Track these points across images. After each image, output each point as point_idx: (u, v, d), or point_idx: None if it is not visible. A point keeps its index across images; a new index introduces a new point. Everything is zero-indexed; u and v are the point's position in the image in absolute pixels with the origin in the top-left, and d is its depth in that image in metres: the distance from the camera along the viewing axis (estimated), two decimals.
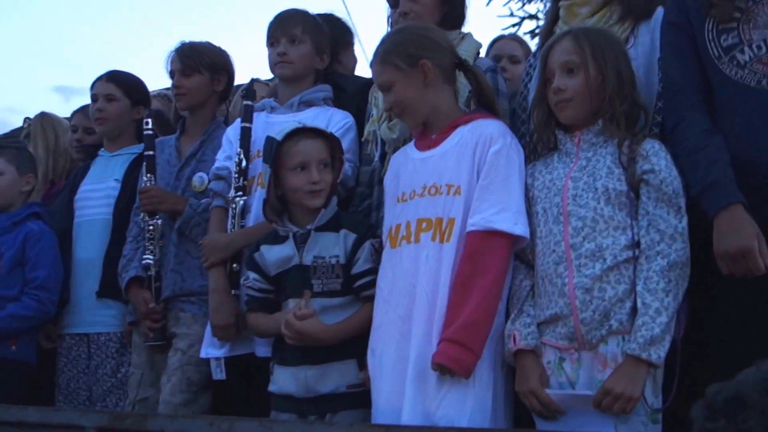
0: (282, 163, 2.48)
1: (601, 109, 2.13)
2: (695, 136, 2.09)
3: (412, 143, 2.40)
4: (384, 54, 2.34)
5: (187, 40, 3.21)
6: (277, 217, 2.52)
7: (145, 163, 3.10)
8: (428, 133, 2.34)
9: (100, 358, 3.17)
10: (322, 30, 3.01)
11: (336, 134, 2.69)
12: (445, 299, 2.11)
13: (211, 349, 2.75)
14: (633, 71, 2.20)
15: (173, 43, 3.16)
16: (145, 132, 3.13)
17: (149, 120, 3.14)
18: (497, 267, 2.10)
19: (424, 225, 2.20)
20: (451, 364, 2.03)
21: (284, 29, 2.92)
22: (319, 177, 2.45)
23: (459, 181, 2.20)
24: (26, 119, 4.40)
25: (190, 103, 3.17)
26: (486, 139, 2.21)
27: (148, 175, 3.06)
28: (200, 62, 3.13)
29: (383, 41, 2.43)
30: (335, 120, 2.84)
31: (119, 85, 3.36)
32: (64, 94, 25.76)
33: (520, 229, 2.12)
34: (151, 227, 2.98)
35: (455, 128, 2.28)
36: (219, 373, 2.72)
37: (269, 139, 2.51)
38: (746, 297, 1.99)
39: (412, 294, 2.17)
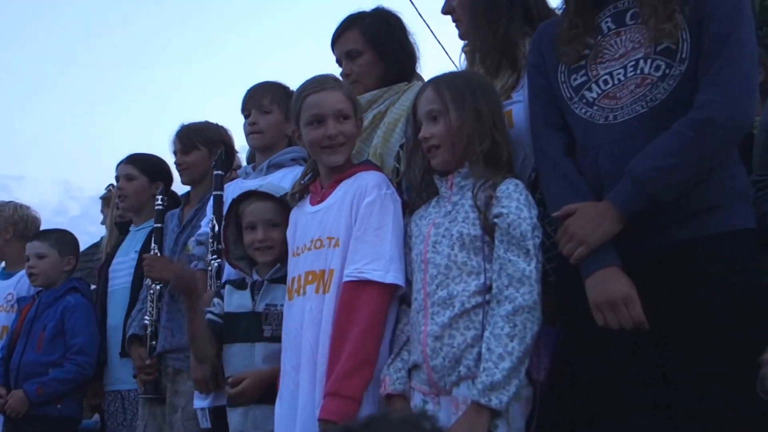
0: (241, 222, 2.70)
1: (466, 151, 2.17)
2: (548, 182, 2.07)
3: (308, 197, 2.50)
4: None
5: (186, 122, 3.57)
6: (248, 267, 2.71)
7: (154, 235, 3.47)
8: (320, 185, 2.46)
9: (132, 412, 3.54)
10: (288, 96, 3.14)
11: None
12: (326, 349, 2.21)
13: (197, 401, 2.98)
14: (498, 111, 2.21)
15: None
16: (156, 207, 3.51)
17: (159, 196, 3.52)
18: (369, 315, 2.17)
19: (310, 278, 2.32)
20: (332, 417, 2.10)
21: (254, 101, 3.13)
22: (264, 235, 2.61)
23: (338, 233, 2.30)
24: (110, 185, 5.00)
25: (192, 177, 3.51)
26: (361, 191, 2.30)
27: (154, 245, 3.42)
28: (197, 139, 3.47)
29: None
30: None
31: (136, 165, 3.77)
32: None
33: (392, 276, 2.18)
34: (151, 291, 3.33)
35: (340, 182, 2.39)
36: (205, 422, 2.94)
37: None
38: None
39: (299, 345, 2.29)
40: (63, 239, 3.88)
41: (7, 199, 4.43)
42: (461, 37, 2.61)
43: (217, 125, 3.57)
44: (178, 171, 3.57)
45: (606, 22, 2.04)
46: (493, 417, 1.94)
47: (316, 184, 2.50)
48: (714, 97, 1.85)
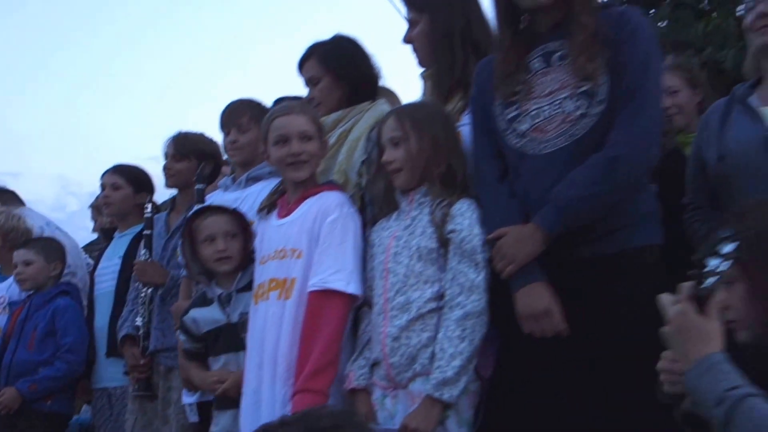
0: (196, 238, 2.87)
1: (424, 173, 2.44)
2: (485, 205, 2.34)
3: (276, 211, 2.75)
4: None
5: (183, 130, 3.80)
6: (207, 279, 2.90)
7: (143, 241, 3.64)
8: (287, 201, 2.71)
9: (118, 408, 3.77)
10: (263, 111, 3.29)
11: None
12: (284, 349, 2.47)
13: (185, 397, 3.16)
14: (454, 138, 2.47)
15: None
16: (145, 215, 3.68)
17: (149, 204, 3.72)
18: (335, 321, 2.44)
19: (273, 284, 2.58)
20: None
21: (233, 119, 3.33)
22: (225, 246, 2.81)
23: (301, 246, 2.56)
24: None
25: (177, 183, 3.74)
26: (324, 209, 2.57)
27: (144, 250, 3.60)
28: (191, 149, 3.69)
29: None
30: None
31: (122, 175, 3.99)
32: None
33: (353, 287, 2.46)
34: (143, 294, 3.53)
35: (305, 199, 2.64)
36: (193, 416, 3.15)
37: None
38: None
39: (262, 345, 2.55)
40: (49, 246, 4.09)
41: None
42: (420, 64, 2.87)
43: (211, 140, 3.77)
44: (165, 174, 3.79)
45: (536, 62, 2.31)
46: (445, 408, 2.21)
47: (283, 199, 2.75)
48: (624, 137, 2.14)
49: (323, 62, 3.07)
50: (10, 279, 4.34)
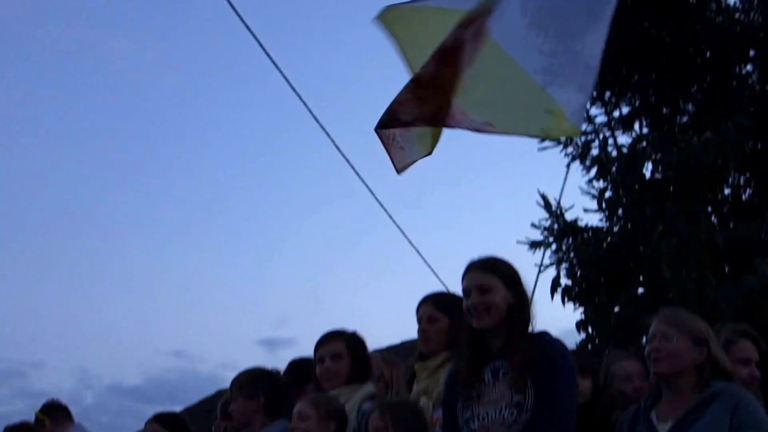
0: None
1: None
2: None
3: None
4: None
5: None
6: None
7: None
8: None
9: None
10: (251, 380, 4.19)
11: None
12: None
13: None
14: (423, 428, 3.31)
15: None
16: None
17: None
18: None
19: None
20: None
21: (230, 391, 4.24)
22: None
23: None
24: None
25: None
26: None
27: None
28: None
29: None
30: None
31: (162, 424, 4.75)
32: (269, 347, 28.95)
33: None
34: None
35: None
36: None
37: None
38: None
39: None
40: None
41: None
42: (426, 348, 3.81)
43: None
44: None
45: (487, 375, 3.13)
46: None
47: None
48: None
49: (350, 347, 4.03)
50: None
